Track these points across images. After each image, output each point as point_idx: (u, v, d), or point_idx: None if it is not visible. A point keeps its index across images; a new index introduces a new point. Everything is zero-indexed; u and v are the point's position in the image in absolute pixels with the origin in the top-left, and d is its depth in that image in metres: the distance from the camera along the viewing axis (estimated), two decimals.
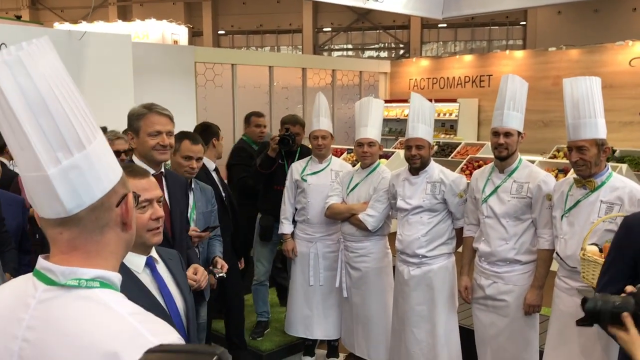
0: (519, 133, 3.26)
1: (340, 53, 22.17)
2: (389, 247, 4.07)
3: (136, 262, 1.72)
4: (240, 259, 4.27)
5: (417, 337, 3.66)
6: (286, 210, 4.33)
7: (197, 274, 2.39)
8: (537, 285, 3.20)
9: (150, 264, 1.76)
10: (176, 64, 9.36)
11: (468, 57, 12.80)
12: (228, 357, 0.82)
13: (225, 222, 3.70)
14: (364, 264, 4.00)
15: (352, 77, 13.01)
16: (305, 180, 4.21)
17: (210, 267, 3.11)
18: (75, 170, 0.99)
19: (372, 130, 3.92)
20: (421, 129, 3.59)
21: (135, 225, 1.13)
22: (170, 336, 0.98)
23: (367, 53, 22.08)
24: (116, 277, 1.07)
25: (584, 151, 2.84)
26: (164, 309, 1.68)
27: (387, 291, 4.00)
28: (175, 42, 15.72)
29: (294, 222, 4.36)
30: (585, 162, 2.85)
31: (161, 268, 1.80)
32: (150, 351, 0.89)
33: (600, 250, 2.61)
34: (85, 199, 1.01)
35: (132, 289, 1.58)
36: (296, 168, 4.30)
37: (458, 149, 9.35)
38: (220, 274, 3.03)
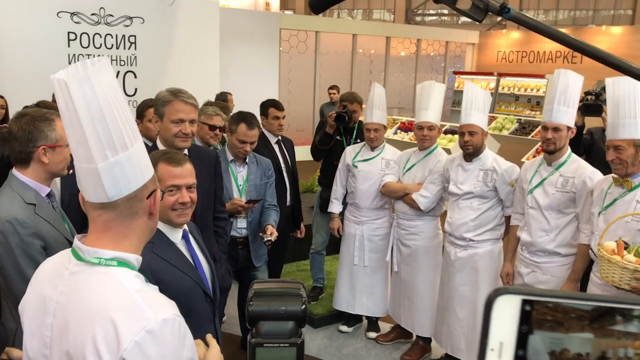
0: (568, 128, 3.30)
1: (434, 18, 21.67)
2: (440, 227, 4.22)
3: (174, 235, 2.04)
4: (300, 227, 4.56)
5: (459, 316, 3.84)
6: (337, 190, 4.54)
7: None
8: (574, 278, 3.28)
9: (185, 237, 2.08)
10: (262, 30, 9.67)
11: (562, 31, 12.30)
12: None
13: (280, 192, 3.95)
14: (414, 242, 4.17)
15: (437, 47, 12.84)
16: (356, 167, 4.37)
17: (260, 234, 3.43)
18: (118, 166, 1.22)
19: (432, 114, 4.03)
20: (474, 116, 3.68)
21: (162, 206, 1.36)
22: (170, 310, 1.20)
23: (463, 19, 21.43)
24: (134, 258, 1.29)
25: (620, 150, 2.88)
26: (196, 271, 2.02)
27: (435, 269, 4.16)
28: (267, 4, 16.06)
29: (345, 203, 4.55)
30: (621, 162, 2.89)
31: (191, 239, 2.12)
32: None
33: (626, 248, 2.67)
34: (123, 190, 1.24)
35: (174, 255, 1.95)
36: (349, 152, 4.46)
37: (539, 127, 9.08)
38: (268, 239, 3.34)
